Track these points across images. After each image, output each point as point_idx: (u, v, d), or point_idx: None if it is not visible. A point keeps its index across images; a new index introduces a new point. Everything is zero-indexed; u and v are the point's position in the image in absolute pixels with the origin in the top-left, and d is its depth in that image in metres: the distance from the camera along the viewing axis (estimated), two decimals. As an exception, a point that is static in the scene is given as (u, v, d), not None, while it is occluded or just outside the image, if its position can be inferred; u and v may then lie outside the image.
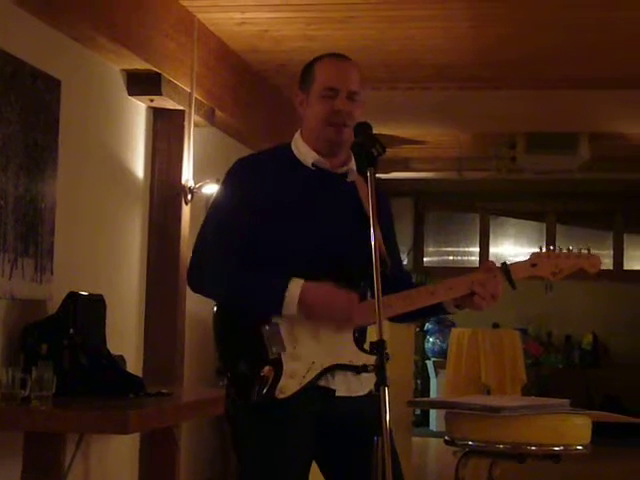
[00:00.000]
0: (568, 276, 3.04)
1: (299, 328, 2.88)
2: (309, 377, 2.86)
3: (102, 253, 5.83)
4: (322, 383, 2.90)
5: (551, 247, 3.00)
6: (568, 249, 3.01)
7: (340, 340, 2.90)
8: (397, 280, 3.04)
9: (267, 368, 2.85)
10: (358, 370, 2.90)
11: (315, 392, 2.89)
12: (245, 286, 2.90)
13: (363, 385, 2.95)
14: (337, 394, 2.93)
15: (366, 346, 2.85)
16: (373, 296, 2.76)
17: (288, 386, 2.84)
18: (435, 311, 3.08)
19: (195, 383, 6.89)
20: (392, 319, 3.04)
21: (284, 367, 2.85)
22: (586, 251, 3.02)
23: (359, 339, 2.93)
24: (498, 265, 3.01)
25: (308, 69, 3.06)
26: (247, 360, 2.88)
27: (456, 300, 2.99)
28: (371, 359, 2.73)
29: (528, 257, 3.01)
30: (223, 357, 2.95)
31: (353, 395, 2.96)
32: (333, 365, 2.89)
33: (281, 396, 2.84)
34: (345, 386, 2.94)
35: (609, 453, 9.88)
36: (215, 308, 2.98)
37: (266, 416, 2.87)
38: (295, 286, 2.82)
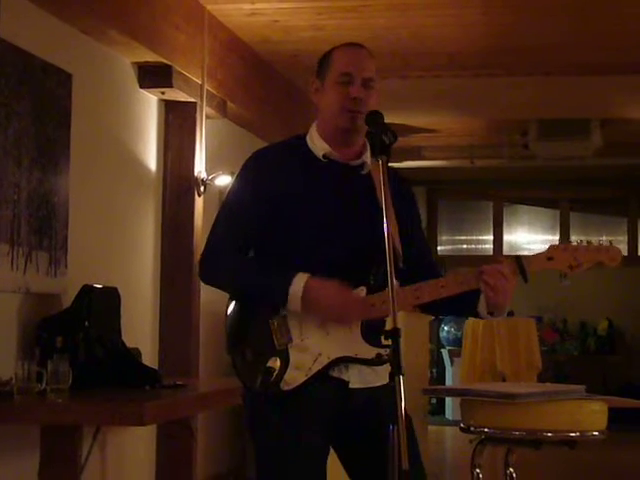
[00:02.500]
0: (587, 269, 3.00)
1: (307, 320, 2.88)
2: (315, 369, 2.86)
3: (116, 246, 5.84)
4: (335, 374, 2.90)
5: (570, 239, 2.95)
6: (588, 241, 2.97)
7: (348, 332, 2.89)
8: (424, 272, 3.03)
9: (273, 359, 2.85)
10: (365, 362, 2.90)
11: (328, 383, 2.89)
12: (252, 280, 2.92)
13: (379, 376, 2.94)
14: (351, 386, 2.93)
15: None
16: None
17: (294, 377, 2.84)
18: (468, 312, 3.08)
19: (211, 374, 6.90)
20: (422, 309, 3.03)
21: (291, 358, 2.85)
22: (605, 242, 2.98)
23: (371, 331, 2.92)
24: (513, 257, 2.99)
25: (325, 58, 3.05)
26: (254, 350, 2.89)
27: (488, 306, 2.98)
28: (382, 352, 2.79)
29: (544, 250, 2.98)
30: (230, 346, 2.96)
31: (368, 386, 2.96)
32: (339, 357, 2.89)
33: (286, 388, 2.84)
34: (359, 378, 2.94)
35: (625, 439, 9.87)
36: (228, 297, 3.01)
37: (276, 406, 2.87)
38: (299, 282, 2.82)
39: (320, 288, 2.82)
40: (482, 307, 2.99)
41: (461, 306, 3.02)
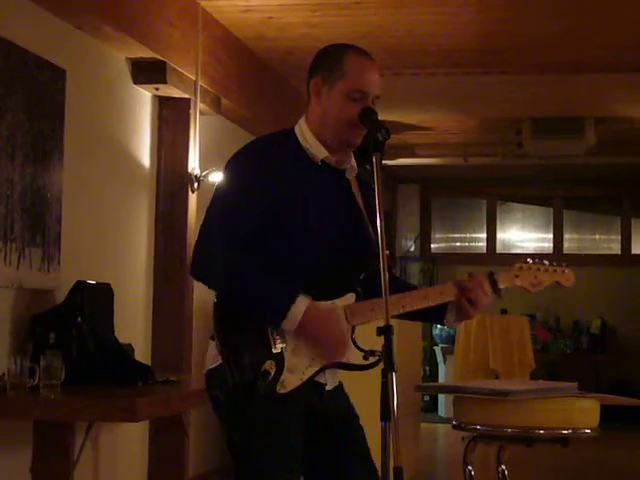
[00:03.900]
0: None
1: None
2: (309, 373, 2.85)
3: (109, 242, 5.84)
4: (316, 378, 2.90)
5: (529, 260, 3.11)
6: (552, 263, 3.14)
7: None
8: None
9: (269, 362, 2.82)
10: (355, 368, 2.90)
11: (310, 387, 2.89)
12: (249, 291, 2.82)
13: (337, 376, 3.01)
14: (327, 388, 2.95)
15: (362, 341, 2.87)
16: (370, 295, 2.84)
17: (289, 381, 2.83)
18: (435, 320, 3.14)
19: (203, 371, 6.89)
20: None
21: (285, 362, 2.83)
22: (562, 265, 3.17)
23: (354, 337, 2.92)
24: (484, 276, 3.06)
25: (335, 59, 2.93)
26: (250, 352, 2.82)
27: (458, 315, 3.02)
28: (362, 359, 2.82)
29: (512, 267, 3.11)
30: (225, 347, 2.87)
31: (333, 386, 3.00)
32: (331, 363, 2.89)
33: (282, 391, 2.82)
34: (331, 379, 2.97)
35: (618, 437, 9.89)
36: (216, 297, 2.92)
37: (262, 408, 2.83)
38: (299, 307, 2.77)
39: (321, 320, 2.80)
40: (450, 316, 3.06)
41: (429, 314, 3.05)
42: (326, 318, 2.81)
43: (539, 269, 3.12)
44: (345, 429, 2.99)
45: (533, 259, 3.10)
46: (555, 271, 3.15)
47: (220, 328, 2.89)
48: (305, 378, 2.85)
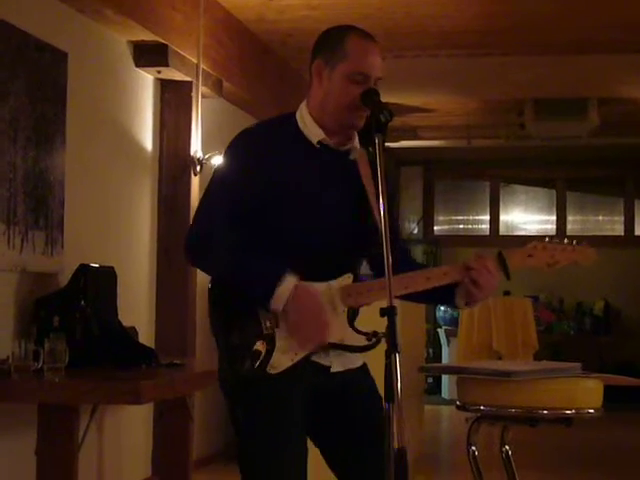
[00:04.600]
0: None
1: None
2: (301, 354, 2.85)
3: (112, 225, 5.84)
4: (315, 359, 2.88)
5: (547, 239, 3.02)
6: (570, 241, 3.05)
7: (334, 319, 2.88)
8: (397, 255, 3.01)
9: (260, 343, 2.82)
10: (350, 349, 2.89)
11: (308, 368, 2.88)
12: (239, 273, 2.82)
13: (357, 358, 2.96)
14: (332, 370, 2.93)
15: (361, 323, 2.85)
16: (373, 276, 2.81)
17: (280, 361, 2.82)
18: (445, 301, 3.06)
19: (207, 353, 6.90)
20: (400, 296, 3.02)
21: (277, 342, 2.82)
22: (582, 244, 3.07)
23: (352, 318, 2.91)
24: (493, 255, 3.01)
25: (337, 40, 2.90)
26: (240, 333, 2.84)
27: (467, 296, 2.97)
28: (362, 339, 2.81)
29: (526, 247, 3.02)
30: (215, 328, 2.90)
31: (347, 368, 2.96)
32: (317, 346, 2.87)
33: (273, 371, 2.81)
34: (340, 361, 2.93)
35: (621, 418, 9.91)
36: (210, 281, 2.94)
37: (259, 390, 2.84)
38: (286, 287, 2.75)
39: (299, 304, 2.76)
40: (459, 298, 2.99)
41: (438, 296, 3.02)
42: (306, 305, 2.77)
43: (556, 248, 3.03)
44: (362, 412, 2.95)
45: (551, 238, 3.04)
46: (574, 250, 3.05)
47: (212, 310, 2.92)
48: (297, 359, 2.83)
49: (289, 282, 2.75)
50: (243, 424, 2.91)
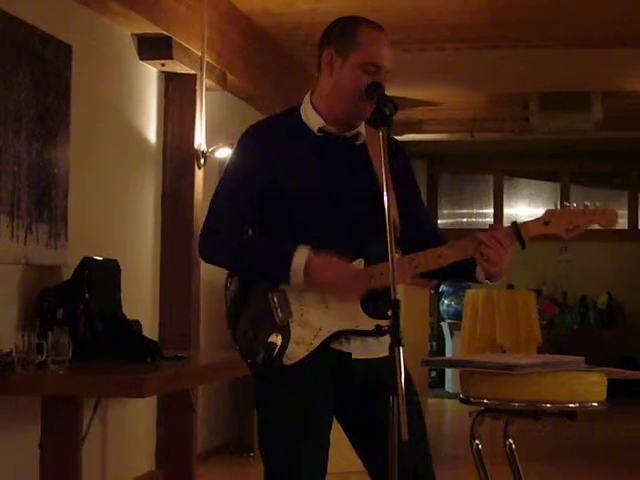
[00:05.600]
0: (582, 233, 3.00)
1: (307, 295, 2.88)
2: (316, 343, 2.86)
3: (116, 218, 5.84)
4: (336, 347, 2.90)
5: (566, 203, 2.92)
6: (584, 205, 2.94)
7: (347, 306, 2.88)
8: (426, 240, 3.01)
9: (275, 335, 2.85)
10: (365, 334, 2.90)
11: (329, 355, 2.90)
12: (253, 258, 2.89)
13: (382, 347, 2.89)
14: (354, 357, 2.94)
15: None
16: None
17: (295, 352, 2.84)
18: (466, 277, 3.04)
19: (211, 346, 6.91)
20: (420, 274, 3.01)
21: (291, 333, 2.85)
22: (601, 207, 2.95)
23: (370, 302, 2.91)
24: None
25: (349, 31, 2.91)
26: (255, 326, 2.88)
27: (487, 271, 2.95)
28: (382, 323, 2.80)
29: (542, 215, 2.93)
30: (231, 321, 2.95)
31: (370, 357, 2.96)
32: (339, 331, 2.89)
33: (288, 362, 2.84)
34: (362, 348, 2.94)
35: (625, 411, 9.91)
36: (228, 272, 2.99)
37: (280, 381, 2.88)
38: (300, 257, 2.79)
39: (321, 264, 2.80)
40: (480, 273, 2.96)
41: (458, 272, 2.99)
42: (326, 261, 2.80)
43: (574, 212, 2.91)
44: (379, 399, 2.86)
45: (569, 202, 2.95)
46: (595, 212, 2.93)
47: (228, 306, 2.97)
48: (312, 348, 2.85)
49: (302, 252, 2.80)
50: (263, 415, 2.94)
